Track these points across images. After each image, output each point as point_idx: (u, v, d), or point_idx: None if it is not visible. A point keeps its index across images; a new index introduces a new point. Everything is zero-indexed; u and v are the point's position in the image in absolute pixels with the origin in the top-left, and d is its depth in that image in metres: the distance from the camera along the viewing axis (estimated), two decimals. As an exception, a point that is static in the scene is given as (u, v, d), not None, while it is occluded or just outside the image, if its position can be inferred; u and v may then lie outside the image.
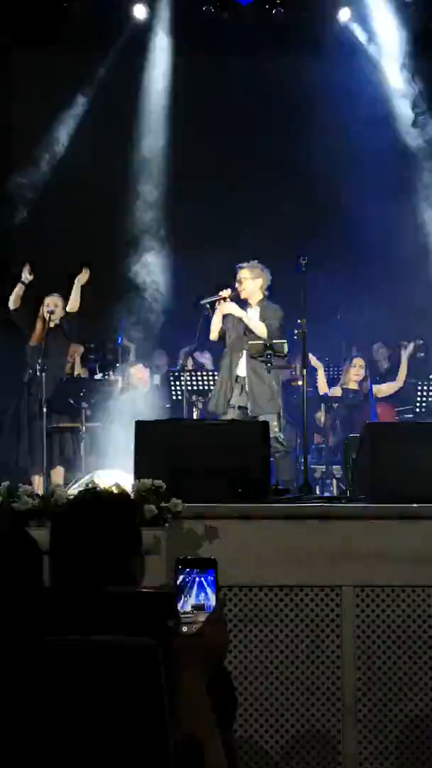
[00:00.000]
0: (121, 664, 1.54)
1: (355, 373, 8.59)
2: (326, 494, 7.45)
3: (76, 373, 8.53)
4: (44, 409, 7.50)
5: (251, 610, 4.10)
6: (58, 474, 7.82)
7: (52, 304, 7.81)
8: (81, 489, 3.92)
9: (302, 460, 6.40)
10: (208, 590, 1.88)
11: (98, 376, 8.91)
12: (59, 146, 10.04)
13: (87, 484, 4.04)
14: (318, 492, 7.44)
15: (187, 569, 1.90)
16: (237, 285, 7.09)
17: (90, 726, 1.49)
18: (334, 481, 8.01)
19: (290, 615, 4.13)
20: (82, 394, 7.79)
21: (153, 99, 10.12)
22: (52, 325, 7.82)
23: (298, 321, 6.30)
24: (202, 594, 1.88)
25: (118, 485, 4.01)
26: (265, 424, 4.89)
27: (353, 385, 8.59)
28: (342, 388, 8.61)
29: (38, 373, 7.56)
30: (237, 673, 4.04)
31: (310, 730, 4.08)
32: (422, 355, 9.53)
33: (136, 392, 8.72)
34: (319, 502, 5.17)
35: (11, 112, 10.36)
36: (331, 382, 9.11)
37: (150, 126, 10.10)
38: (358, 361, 8.68)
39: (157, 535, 3.92)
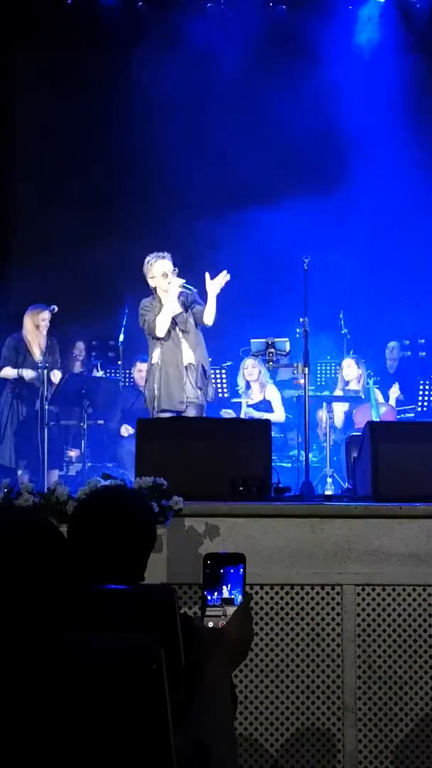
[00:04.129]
0: (122, 661, 1.53)
1: (347, 373, 8.61)
2: (327, 493, 7.44)
3: (77, 370, 8.55)
4: (45, 407, 7.51)
5: (252, 609, 4.10)
6: (57, 471, 7.83)
7: (42, 317, 7.85)
8: (92, 485, 3.92)
9: (303, 459, 6.40)
10: (237, 585, 1.88)
11: (100, 373, 8.92)
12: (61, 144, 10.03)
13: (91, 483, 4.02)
14: (319, 490, 7.43)
15: (217, 564, 1.89)
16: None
17: (90, 725, 1.49)
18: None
19: (291, 613, 4.13)
20: (83, 391, 7.80)
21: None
22: (44, 332, 7.87)
23: (301, 320, 6.30)
24: (232, 588, 1.88)
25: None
26: (268, 422, 4.89)
27: (354, 385, 8.61)
28: (344, 390, 8.64)
29: (40, 371, 7.57)
30: (237, 672, 4.04)
31: (310, 729, 4.08)
32: (423, 354, 9.55)
33: (137, 389, 8.72)
34: (321, 500, 5.16)
35: (13, 112, 10.36)
36: (333, 381, 9.12)
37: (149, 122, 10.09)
38: (347, 362, 8.70)
39: (159, 533, 3.91)
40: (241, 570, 1.89)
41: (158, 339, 6.74)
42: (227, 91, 9.96)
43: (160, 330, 6.72)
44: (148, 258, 6.85)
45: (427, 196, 9.70)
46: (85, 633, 1.68)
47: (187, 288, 6.72)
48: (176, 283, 6.74)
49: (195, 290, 6.76)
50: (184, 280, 6.75)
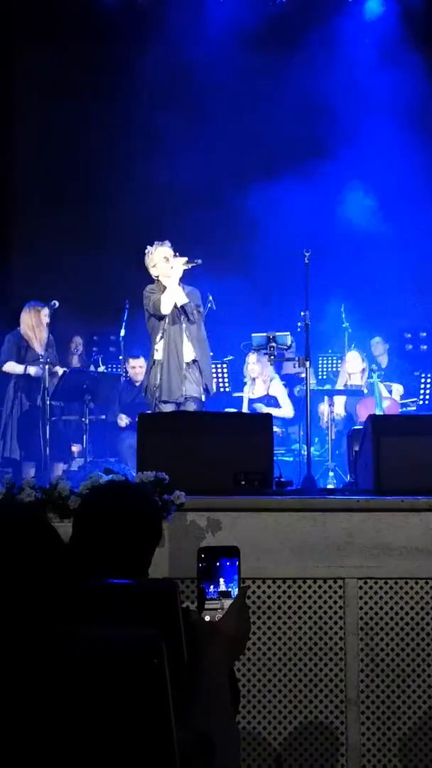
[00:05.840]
0: (124, 656, 1.53)
1: (351, 367, 8.60)
2: (329, 486, 7.44)
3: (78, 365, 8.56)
4: (47, 402, 7.51)
5: (254, 603, 4.10)
6: (60, 466, 7.84)
7: (45, 313, 7.86)
8: (94, 480, 3.92)
9: (305, 453, 6.40)
10: (232, 578, 1.88)
11: (101, 368, 8.92)
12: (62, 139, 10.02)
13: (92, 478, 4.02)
14: (321, 484, 7.43)
15: (211, 557, 1.89)
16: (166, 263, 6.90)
17: (91, 720, 1.48)
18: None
19: (293, 607, 4.13)
20: (84, 386, 7.80)
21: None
22: (46, 327, 7.89)
23: (302, 313, 6.29)
24: (227, 581, 1.88)
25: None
26: (269, 416, 4.88)
27: (356, 380, 8.60)
28: (346, 383, 8.63)
29: (42, 367, 7.58)
30: (240, 665, 4.04)
31: (313, 722, 4.08)
32: (425, 347, 9.53)
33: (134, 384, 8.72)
34: (322, 494, 5.16)
35: (13, 111, 10.35)
36: (334, 374, 9.11)
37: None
38: (351, 355, 8.69)
39: (160, 527, 3.92)
40: (236, 563, 1.89)
41: (163, 320, 6.71)
42: (227, 84, 9.93)
43: (165, 307, 6.70)
44: (148, 248, 6.89)
45: (430, 190, 9.69)
46: (87, 628, 1.68)
47: (192, 262, 6.75)
48: (179, 263, 6.76)
49: (200, 261, 6.78)
50: (186, 258, 6.77)
